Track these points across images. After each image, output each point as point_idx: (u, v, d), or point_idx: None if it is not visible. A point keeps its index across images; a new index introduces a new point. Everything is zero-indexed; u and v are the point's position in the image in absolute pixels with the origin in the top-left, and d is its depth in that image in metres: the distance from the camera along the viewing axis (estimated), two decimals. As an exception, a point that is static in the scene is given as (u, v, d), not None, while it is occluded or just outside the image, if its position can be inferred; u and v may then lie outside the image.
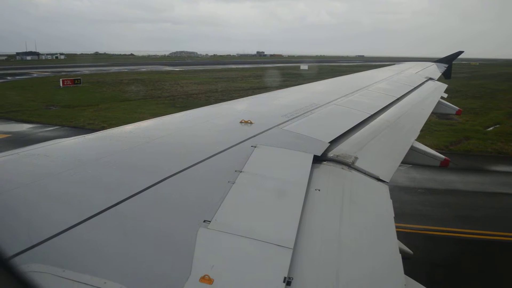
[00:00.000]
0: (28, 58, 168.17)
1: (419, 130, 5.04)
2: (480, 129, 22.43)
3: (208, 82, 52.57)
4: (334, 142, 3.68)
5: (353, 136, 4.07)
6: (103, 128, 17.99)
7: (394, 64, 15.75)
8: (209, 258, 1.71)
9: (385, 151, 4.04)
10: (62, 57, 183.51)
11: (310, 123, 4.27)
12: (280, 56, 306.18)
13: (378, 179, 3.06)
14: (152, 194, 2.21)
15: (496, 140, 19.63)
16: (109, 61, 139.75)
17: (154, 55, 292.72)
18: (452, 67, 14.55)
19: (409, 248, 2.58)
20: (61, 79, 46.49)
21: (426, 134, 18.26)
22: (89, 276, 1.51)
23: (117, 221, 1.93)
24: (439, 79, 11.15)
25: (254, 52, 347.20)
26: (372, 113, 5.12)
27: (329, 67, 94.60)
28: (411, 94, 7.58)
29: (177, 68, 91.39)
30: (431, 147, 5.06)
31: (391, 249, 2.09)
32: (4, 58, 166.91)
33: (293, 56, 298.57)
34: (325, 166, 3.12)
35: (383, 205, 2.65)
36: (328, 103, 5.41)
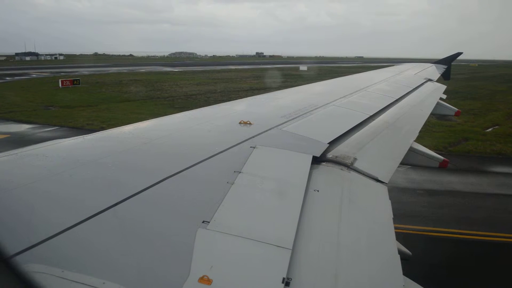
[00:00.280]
0: (27, 58, 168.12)
1: (418, 131, 5.04)
2: (479, 130, 22.47)
3: (207, 82, 52.60)
4: (333, 143, 3.68)
5: (352, 137, 4.07)
6: (102, 128, 18.00)
7: (393, 65, 15.76)
8: (208, 259, 1.71)
9: (384, 152, 4.05)
10: (61, 57, 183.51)
11: (309, 124, 4.27)
12: (279, 57, 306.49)
13: (377, 180, 3.07)
14: (151, 195, 2.21)
15: (495, 141, 19.67)
16: (108, 61, 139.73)
17: (153, 56, 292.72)
18: (451, 68, 14.56)
19: (407, 249, 2.58)
20: (60, 80, 46.52)
21: (425, 135, 18.27)
22: (88, 276, 1.51)
23: (116, 221, 1.93)
24: (438, 80, 11.17)
25: (253, 53, 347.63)
26: (371, 114, 5.13)
27: (328, 68, 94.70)
28: (410, 95, 7.58)
29: (176, 69, 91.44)
30: (430, 148, 5.06)
31: (390, 250, 2.09)
32: (3, 58, 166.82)
33: (292, 57, 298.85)
34: (324, 167, 3.12)
35: (382, 206, 2.65)
36: (327, 104, 5.42)
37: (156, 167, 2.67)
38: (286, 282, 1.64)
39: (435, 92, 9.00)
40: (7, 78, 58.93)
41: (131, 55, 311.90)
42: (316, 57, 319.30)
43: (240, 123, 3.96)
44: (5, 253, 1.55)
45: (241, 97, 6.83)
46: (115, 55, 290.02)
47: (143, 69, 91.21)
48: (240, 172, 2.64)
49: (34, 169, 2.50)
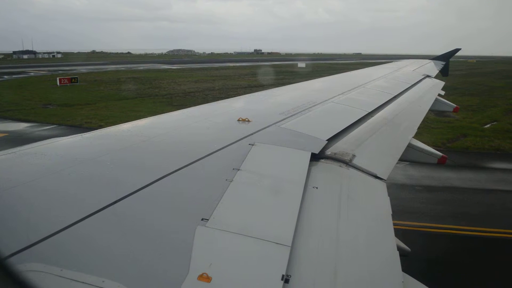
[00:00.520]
0: (25, 56, 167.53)
1: (416, 128, 5.05)
2: (477, 126, 22.50)
3: (206, 80, 52.47)
4: (331, 139, 3.68)
5: (351, 133, 4.07)
6: (100, 126, 17.96)
7: (391, 62, 15.75)
8: (207, 256, 1.71)
9: (383, 148, 4.05)
10: (59, 55, 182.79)
11: (308, 121, 4.27)
12: (277, 54, 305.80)
13: (376, 177, 3.07)
14: (150, 193, 2.21)
15: (493, 137, 19.72)
16: (106, 59, 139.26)
17: (151, 53, 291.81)
18: (449, 65, 14.56)
19: (406, 245, 2.58)
20: (58, 78, 46.32)
21: (424, 131, 18.28)
22: (87, 275, 1.51)
23: (115, 219, 1.93)
24: (436, 77, 11.17)
25: (252, 50, 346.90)
26: (369, 111, 5.13)
27: (326, 65, 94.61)
28: (408, 91, 7.58)
29: (174, 66, 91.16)
30: (429, 145, 5.06)
31: (388, 246, 2.10)
32: (1, 57, 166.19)
33: (290, 54, 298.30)
34: (322, 164, 3.12)
35: (380, 203, 2.66)
36: (326, 101, 5.42)
37: (155, 165, 2.66)
38: (286, 279, 1.64)
39: (433, 88, 9.00)
40: (5, 77, 58.68)
41: (129, 52, 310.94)
42: (314, 54, 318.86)
43: (238, 120, 3.96)
44: (4, 252, 1.55)
45: (239, 95, 6.81)
46: (113, 53, 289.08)
47: (141, 66, 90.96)
48: (239, 170, 2.63)
49: (32, 168, 2.50)
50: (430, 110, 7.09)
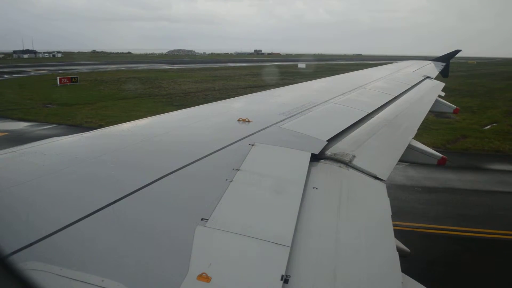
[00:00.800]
0: (25, 56, 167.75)
1: (416, 129, 5.05)
2: (477, 128, 22.51)
3: (206, 80, 52.49)
4: (331, 140, 3.68)
5: (351, 134, 4.07)
6: (100, 126, 17.96)
7: (391, 63, 15.76)
8: (207, 256, 1.71)
9: (383, 149, 4.05)
10: (59, 55, 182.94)
11: (308, 121, 4.27)
12: (277, 54, 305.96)
13: (376, 178, 3.07)
14: (150, 192, 2.21)
15: (493, 138, 19.72)
16: (106, 59, 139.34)
17: (151, 54, 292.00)
18: (449, 66, 14.57)
19: (406, 246, 2.58)
20: (58, 77, 46.35)
21: (424, 132, 18.30)
22: (86, 274, 1.51)
23: (115, 219, 1.93)
24: (436, 78, 11.17)
25: (252, 51, 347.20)
26: (369, 112, 5.13)
27: (326, 66, 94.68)
28: (408, 92, 7.58)
29: (174, 67, 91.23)
30: (429, 146, 5.07)
31: (388, 247, 2.10)
32: (1, 56, 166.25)
33: (290, 55, 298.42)
34: (322, 165, 3.12)
35: (380, 203, 2.66)
36: (326, 101, 5.41)
37: (155, 164, 2.66)
38: (285, 279, 1.64)
39: (433, 89, 9.01)
40: (5, 76, 58.74)
41: (129, 52, 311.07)
42: (314, 55, 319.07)
43: (238, 120, 3.96)
44: (3, 251, 1.55)
45: (239, 95, 6.82)
46: (113, 53, 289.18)
47: (141, 66, 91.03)
48: (238, 170, 2.63)
49: (32, 167, 2.50)
50: (430, 111, 7.10)
